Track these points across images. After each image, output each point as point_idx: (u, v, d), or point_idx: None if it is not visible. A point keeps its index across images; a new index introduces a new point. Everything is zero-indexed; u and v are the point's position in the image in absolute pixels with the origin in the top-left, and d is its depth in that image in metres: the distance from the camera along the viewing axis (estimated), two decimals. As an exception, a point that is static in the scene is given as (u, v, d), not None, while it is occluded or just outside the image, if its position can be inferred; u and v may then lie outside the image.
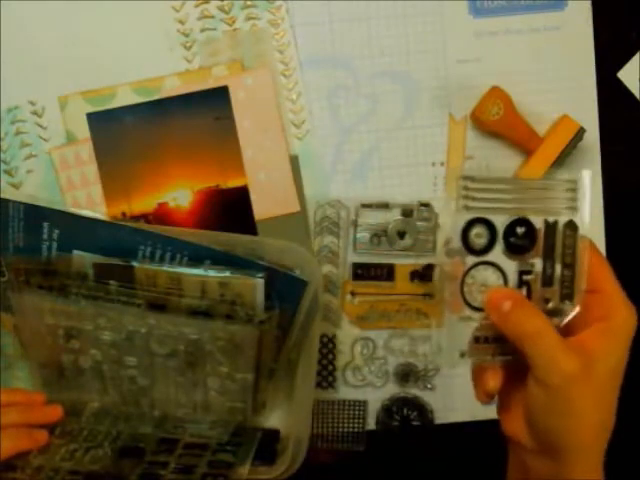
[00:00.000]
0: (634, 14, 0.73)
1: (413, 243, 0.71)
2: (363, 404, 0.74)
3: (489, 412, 0.75)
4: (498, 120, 0.70)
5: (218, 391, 0.67)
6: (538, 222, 0.53)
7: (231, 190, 0.71)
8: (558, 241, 0.53)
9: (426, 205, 0.72)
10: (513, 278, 0.54)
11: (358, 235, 0.71)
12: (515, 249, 0.53)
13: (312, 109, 0.72)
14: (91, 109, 0.70)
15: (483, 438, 0.75)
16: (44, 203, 0.65)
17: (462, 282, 0.54)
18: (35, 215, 0.63)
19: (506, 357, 0.54)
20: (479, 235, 0.53)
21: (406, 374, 0.74)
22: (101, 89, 0.70)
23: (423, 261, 0.72)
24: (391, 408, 0.74)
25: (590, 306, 0.51)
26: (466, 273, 0.54)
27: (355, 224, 0.71)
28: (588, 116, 0.72)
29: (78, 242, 0.63)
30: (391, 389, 0.74)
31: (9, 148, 0.70)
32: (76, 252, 0.63)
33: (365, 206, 0.71)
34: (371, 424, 0.74)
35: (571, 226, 0.53)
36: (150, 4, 0.70)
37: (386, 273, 0.72)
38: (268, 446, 0.68)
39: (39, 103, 0.70)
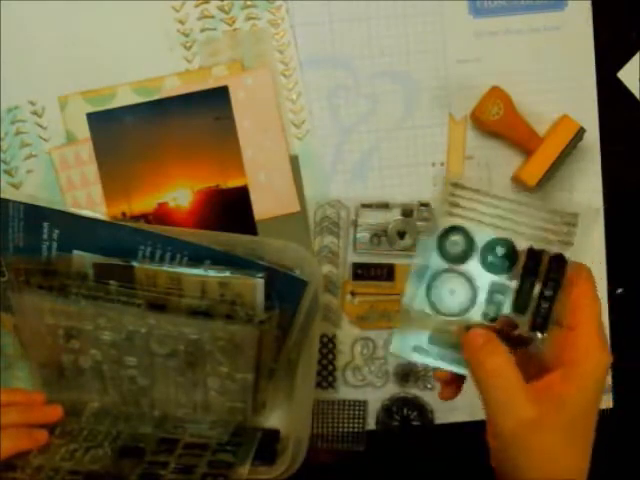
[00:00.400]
0: (634, 14, 0.73)
1: (413, 243, 0.71)
2: (363, 404, 0.74)
3: (489, 412, 0.75)
4: (498, 120, 0.70)
5: (218, 391, 0.67)
6: (522, 245, 0.52)
7: (231, 190, 0.71)
8: (541, 271, 0.52)
9: (426, 205, 0.72)
10: (483, 294, 0.53)
11: (358, 235, 0.71)
12: (491, 267, 0.53)
13: (312, 109, 0.72)
14: (91, 109, 0.70)
15: (483, 438, 0.75)
16: (44, 203, 0.65)
17: (429, 286, 0.54)
18: (35, 215, 0.63)
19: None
20: (455, 243, 0.53)
21: (406, 374, 0.74)
22: (101, 89, 0.70)
23: (423, 261, 0.72)
24: (391, 408, 0.74)
25: (564, 345, 0.50)
26: (434, 277, 0.54)
27: (355, 224, 0.71)
28: (588, 116, 0.72)
29: (78, 242, 0.63)
30: (391, 389, 0.74)
31: (9, 148, 0.70)
32: (76, 252, 0.63)
33: (365, 206, 0.71)
34: (371, 424, 0.74)
35: (559, 260, 0.52)
36: (150, 4, 0.70)
37: (386, 273, 0.72)
38: (268, 446, 0.68)
39: (39, 103, 0.70)
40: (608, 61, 0.73)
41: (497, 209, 0.52)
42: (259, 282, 0.62)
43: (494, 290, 0.53)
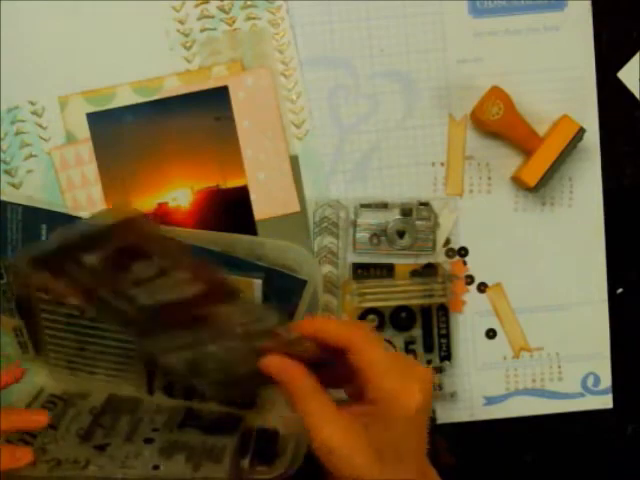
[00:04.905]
0: (634, 14, 0.72)
1: (412, 242, 0.71)
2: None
3: (489, 412, 0.75)
4: (498, 120, 0.70)
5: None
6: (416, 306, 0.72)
7: (231, 190, 0.71)
8: (434, 319, 0.72)
9: (425, 204, 0.72)
10: (400, 347, 0.73)
11: (357, 235, 0.71)
12: (400, 327, 0.73)
13: (312, 109, 0.72)
14: (91, 109, 0.70)
15: (483, 438, 0.75)
16: (44, 203, 0.66)
17: None
18: (33, 217, 0.63)
19: None
20: (372, 319, 0.72)
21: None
22: (101, 89, 0.70)
23: (423, 260, 0.72)
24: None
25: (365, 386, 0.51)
26: None
27: (354, 224, 0.71)
28: (588, 116, 0.72)
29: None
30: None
31: (9, 148, 0.70)
32: (74, 254, 0.63)
33: (364, 206, 0.71)
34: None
35: (444, 308, 0.72)
36: (150, 4, 0.70)
37: (386, 273, 0.72)
38: (267, 446, 0.68)
39: (39, 103, 0.70)
40: (608, 61, 0.72)
41: (395, 287, 0.72)
42: (257, 283, 0.62)
43: (408, 342, 0.73)
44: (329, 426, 0.50)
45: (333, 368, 0.52)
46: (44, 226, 0.63)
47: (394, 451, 0.51)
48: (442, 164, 0.73)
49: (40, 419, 0.63)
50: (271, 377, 0.52)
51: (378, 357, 0.51)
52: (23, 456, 0.61)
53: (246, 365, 0.53)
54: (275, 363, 0.51)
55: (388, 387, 0.50)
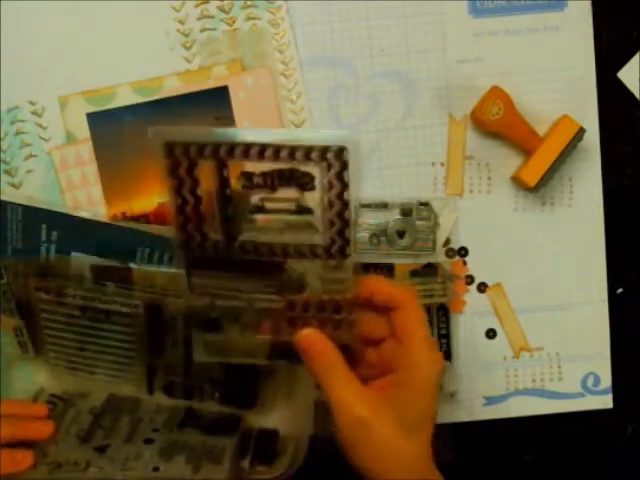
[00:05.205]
0: (634, 14, 0.72)
1: (412, 242, 0.71)
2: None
3: (489, 412, 0.75)
4: (498, 120, 0.70)
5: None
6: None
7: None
8: (434, 319, 0.73)
9: (425, 204, 0.72)
10: None
11: (357, 235, 0.71)
12: None
13: (312, 109, 0.72)
14: (91, 109, 0.70)
15: (483, 438, 0.75)
16: (44, 203, 0.66)
17: None
18: (33, 217, 0.63)
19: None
20: None
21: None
22: (101, 89, 0.70)
23: (423, 260, 0.72)
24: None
25: (395, 355, 0.55)
26: None
27: (354, 224, 0.71)
28: (588, 116, 0.72)
29: (77, 244, 0.63)
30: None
31: (9, 148, 0.70)
32: (74, 254, 0.63)
33: (364, 206, 0.71)
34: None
35: (443, 309, 0.73)
36: (150, 4, 0.70)
37: (386, 273, 0.72)
38: (267, 446, 0.68)
39: (39, 103, 0.70)
40: (608, 61, 0.72)
41: None
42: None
43: None
44: (356, 398, 0.53)
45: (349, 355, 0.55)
46: (44, 226, 0.63)
47: (416, 422, 0.53)
48: (442, 164, 0.73)
49: (45, 429, 0.63)
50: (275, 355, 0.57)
51: (421, 325, 0.55)
52: (23, 459, 0.61)
53: (267, 332, 0.57)
54: (309, 335, 0.55)
55: (424, 354, 0.54)
